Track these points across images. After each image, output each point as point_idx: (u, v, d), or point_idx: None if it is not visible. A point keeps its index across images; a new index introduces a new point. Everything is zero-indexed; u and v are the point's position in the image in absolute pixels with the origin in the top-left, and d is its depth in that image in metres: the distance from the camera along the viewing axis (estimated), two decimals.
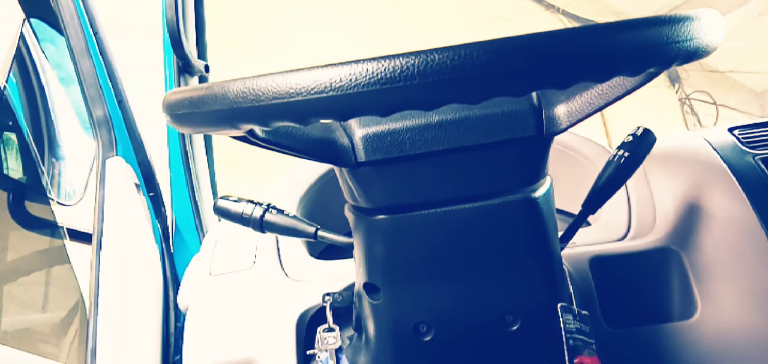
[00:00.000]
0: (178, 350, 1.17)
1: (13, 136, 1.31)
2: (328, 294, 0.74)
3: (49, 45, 1.31)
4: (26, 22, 1.27)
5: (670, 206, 0.81)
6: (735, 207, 0.76)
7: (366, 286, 0.61)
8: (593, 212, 0.64)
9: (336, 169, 0.56)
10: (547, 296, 0.61)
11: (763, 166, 0.80)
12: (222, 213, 0.71)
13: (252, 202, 0.70)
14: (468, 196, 0.53)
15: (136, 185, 1.17)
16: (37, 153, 1.32)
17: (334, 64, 0.38)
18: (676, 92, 3.95)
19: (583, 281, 0.76)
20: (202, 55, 1.28)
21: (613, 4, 3.91)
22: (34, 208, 1.24)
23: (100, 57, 1.18)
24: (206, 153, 1.34)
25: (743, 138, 0.85)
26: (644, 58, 0.39)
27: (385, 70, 0.37)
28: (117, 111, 1.19)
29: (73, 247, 1.26)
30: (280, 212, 0.70)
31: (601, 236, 0.82)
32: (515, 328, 0.62)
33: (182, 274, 1.00)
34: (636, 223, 0.82)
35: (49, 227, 1.28)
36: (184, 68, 1.22)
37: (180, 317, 1.20)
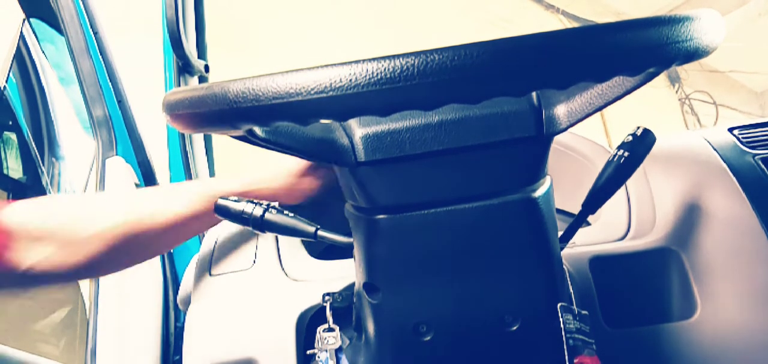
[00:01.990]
0: (178, 350, 1.17)
1: (13, 136, 1.31)
2: (328, 294, 0.74)
3: (49, 45, 1.31)
4: (26, 22, 1.27)
5: (670, 206, 0.81)
6: (735, 207, 0.76)
7: (366, 286, 0.61)
8: (593, 212, 0.64)
9: (336, 168, 0.56)
10: (547, 296, 0.61)
11: (763, 166, 0.80)
12: (222, 212, 0.71)
13: (252, 201, 0.70)
14: (468, 196, 0.53)
15: (136, 184, 1.17)
16: (37, 153, 1.32)
17: (334, 65, 0.38)
18: (676, 92, 3.95)
19: (583, 281, 0.76)
20: (201, 55, 1.28)
21: (613, 4, 3.91)
22: None
23: (100, 57, 1.19)
24: (206, 153, 1.34)
25: (743, 138, 0.85)
26: (644, 58, 0.39)
27: (385, 70, 0.37)
28: (117, 111, 1.19)
29: None
30: (280, 211, 0.70)
31: (601, 236, 0.82)
32: (515, 328, 0.62)
33: (182, 274, 1.00)
34: (636, 223, 0.82)
35: None
36: (184, 68, 1.22)
37: (180, 317, 1.20)
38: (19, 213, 0.66)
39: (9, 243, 0.64)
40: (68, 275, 0.69)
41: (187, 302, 0.85)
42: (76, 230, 0.68)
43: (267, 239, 0.88)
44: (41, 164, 1.31)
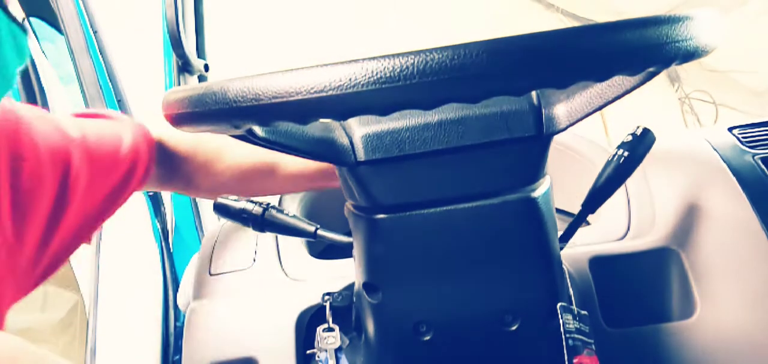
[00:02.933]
0: (178, 349, 1.17)
1: None
2: (327, 294, 0.74)
3: (49, 45, 1.31)
4: (26, 21, 1.27)
5: (669, 205, 0.81)
6: (735, 207, 0.76)
7: (365, 285, 0.61)
8: (593, 212, 0.64)
9: (335, 168, 0.56)
10: (547, 296, 0.61)
11: (762, 166, 0.80)
12: (222, 212, 0.71)
13: (252, 201, 0.70)
14: (467, 195, 0.53)
15: None
16: None
17: (334, 63, 0.38)
18: (676, 92, 3.95)
19: (582, 280, 0.76)
20: (201, 54, 1.28)
21: (613, 3, 3.90)
22: None
23: (100, 57, 1.18)
24: None
25: (743, 137, 0.85)
26: (644, 58, 0.39)
27: (384, 69, 0.37)
28: (117, 111, 1.19)
29: None
30: (280, 210, 0.70)
31: (601, 235, 0.82)
32: (515, 328, 0.62)
33: (182, 273, 1.00)
34: (635, 223, 0.82)
35: None
36: (184, 67, 1.22)
37: (180, 316, 1.20)
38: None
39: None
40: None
41: (187, 301, 0.85)
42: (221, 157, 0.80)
43: (267, 238, 0.88)
44: None
